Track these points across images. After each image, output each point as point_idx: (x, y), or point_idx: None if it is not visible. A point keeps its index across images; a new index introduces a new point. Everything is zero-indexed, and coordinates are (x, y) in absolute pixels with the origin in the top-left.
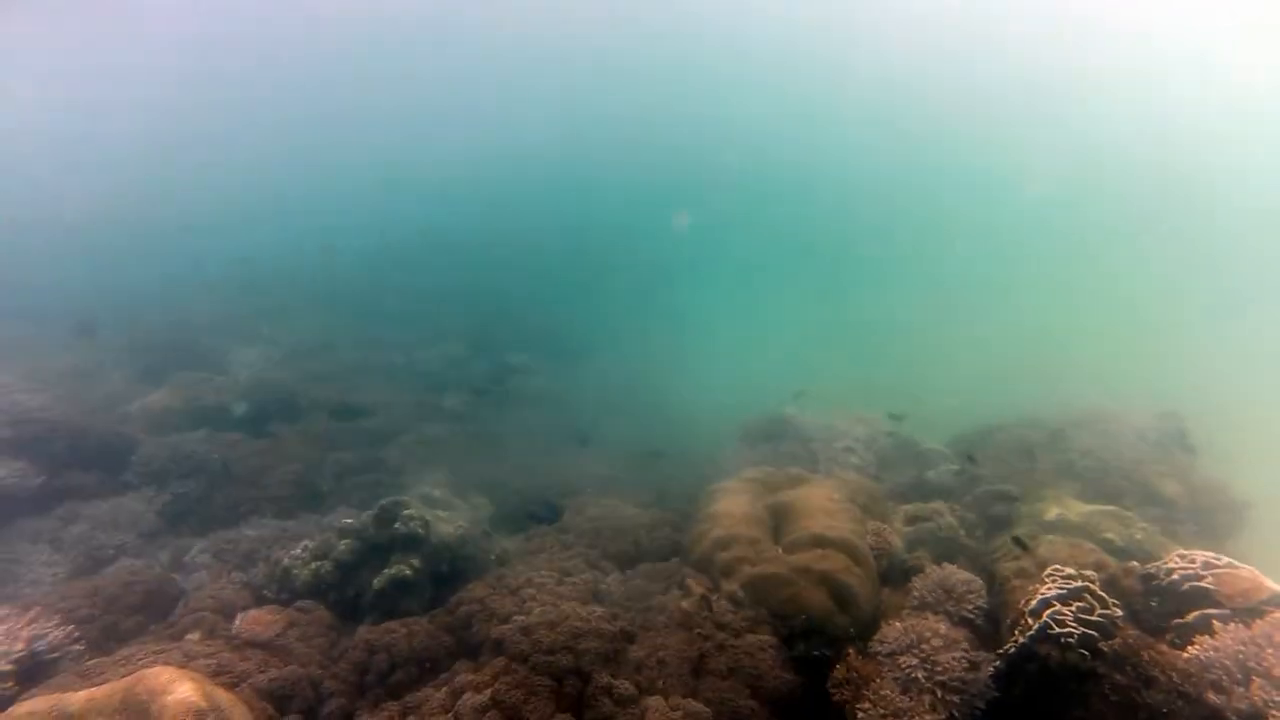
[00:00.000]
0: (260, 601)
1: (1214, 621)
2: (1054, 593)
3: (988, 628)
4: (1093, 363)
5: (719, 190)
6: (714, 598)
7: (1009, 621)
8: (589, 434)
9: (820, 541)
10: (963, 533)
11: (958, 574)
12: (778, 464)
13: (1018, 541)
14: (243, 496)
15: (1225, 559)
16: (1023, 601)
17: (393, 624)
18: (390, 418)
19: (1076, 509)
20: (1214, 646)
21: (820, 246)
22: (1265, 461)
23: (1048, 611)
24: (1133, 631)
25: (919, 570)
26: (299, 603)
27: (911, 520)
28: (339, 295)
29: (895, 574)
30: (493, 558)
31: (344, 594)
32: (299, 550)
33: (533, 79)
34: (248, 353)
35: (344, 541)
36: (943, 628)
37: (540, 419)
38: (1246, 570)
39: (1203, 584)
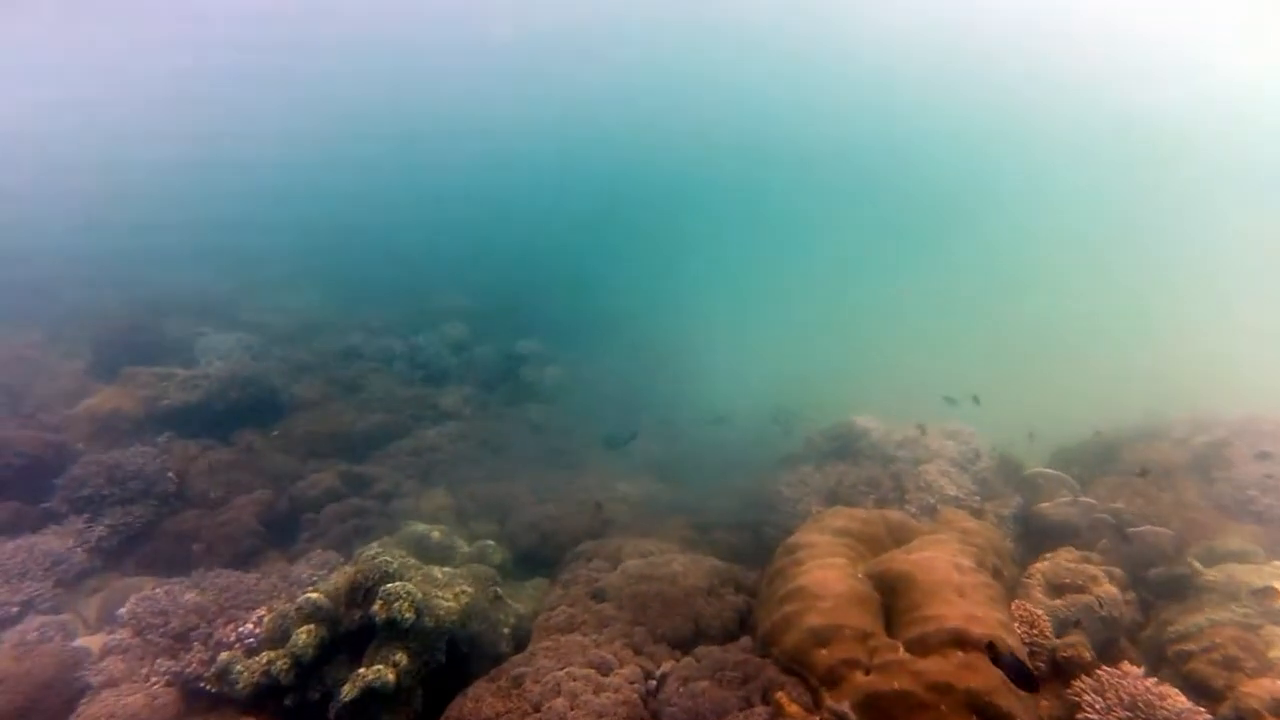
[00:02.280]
0: (192, 703)
1: None
2: None
3: None
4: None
5: (760, 164)
6: None
7: None
8: (619, 437)
9: (960, 641)
10: (1127, 610)
11: (1163, 696)
12: (854, 491)
13: None
14: (199, 527)
15: None
16: None
17: None
18: (382, 419)
19: None
20: None
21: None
22: None
23: None
24: None
25: (1078, 665)
26: None
27: (1056, 588)
28: (332, 270)
29: (1044, 669)
30: (505, 631)
31: (305, 698)
32: (249, 626)
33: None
34: (222, 339)
35: (305, 629)
36: None
37: (555, 419)
38: None
39: None
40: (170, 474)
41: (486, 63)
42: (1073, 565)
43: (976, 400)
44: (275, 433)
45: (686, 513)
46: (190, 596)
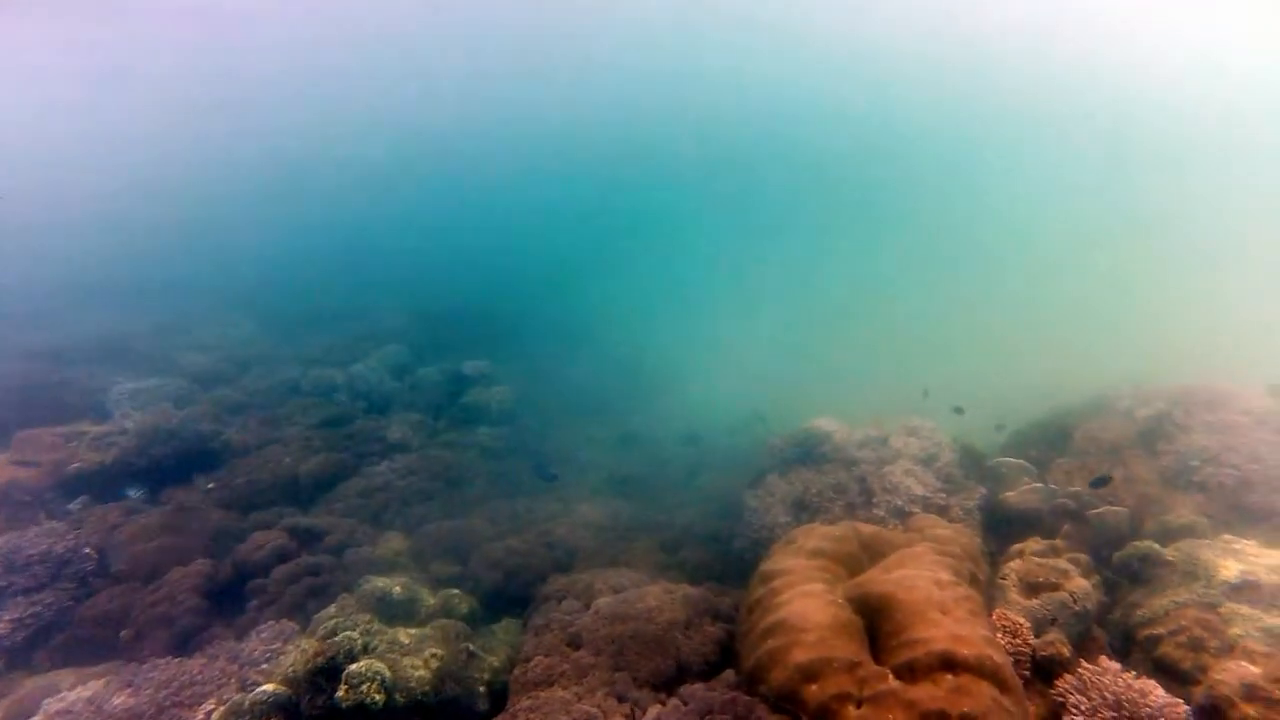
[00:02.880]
0: None
1: None
2: None
3: None
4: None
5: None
6: None
7: None
8: (554, 468)
9: (949, 663)
10: (1095, 594)
11: (1144, 692)
12: (822, 499)
13: None
14: (126, 607)
15: None
16: None
17: None
18: (327, 459)
19: (1265, 559)
20: None
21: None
22: None
23: None
24: None
25: (1058, 663)
26: None
27: (1030, 587)
28: (259, 298)
29: (1028, 675)
30: (481, 690)
31: None
32: None
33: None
34: (139, 387)
35: None
36: None
37: (507, 441)
38: None
39: None
40: (87, 549)
41: (435, 68)
42: (1044, 561)
43: (927, 394)
44: (210, 486)
45: (653, 531)
46: (120, 699)
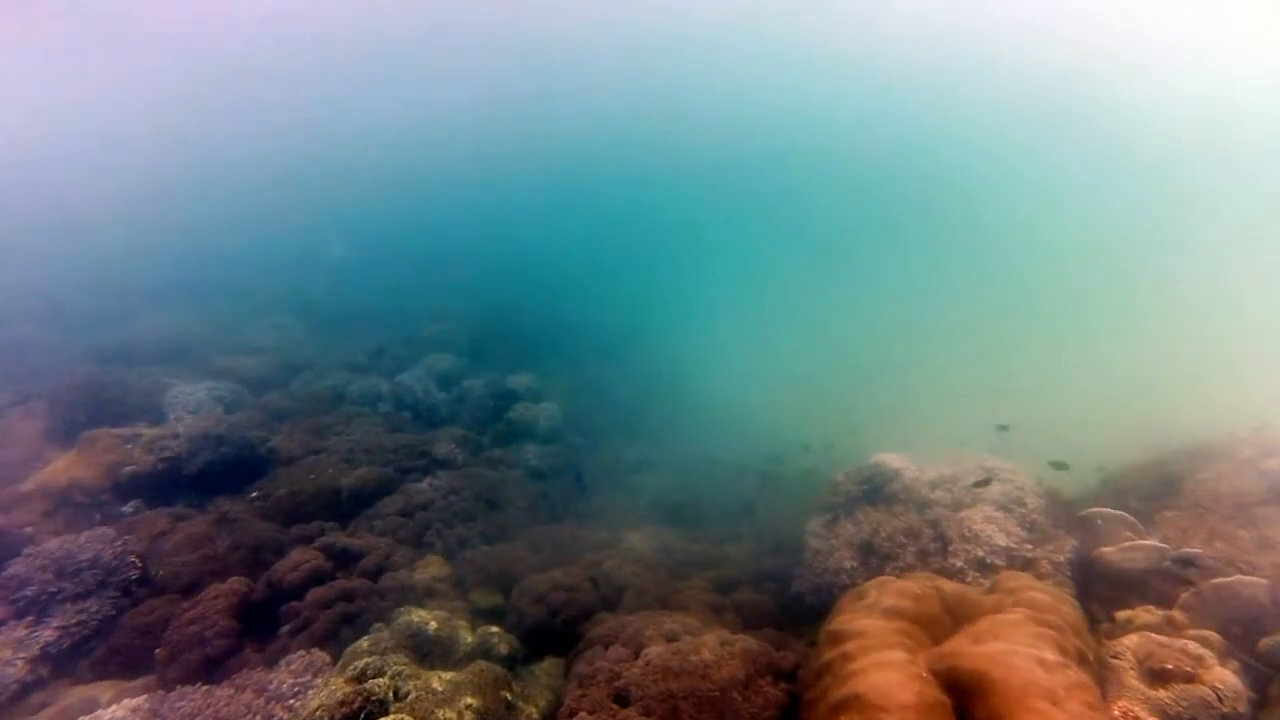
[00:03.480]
0: None
1: None
2: None
3: None
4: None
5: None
6: None
7: None
8: (598, 489)
9: None
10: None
11: None
12: (892, 544)
13: None
14: (164, 620)
15: None
16: None
17: None
18: (369, 473)
19: None
20: None
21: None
22: None
23: None
24: None
25: None
26: None
27: (1155, 674)
28: (308, 299)
29: None
30: None
31: None
32: None
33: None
34: (192, 391)
35: None
36: None
37: (554, 460)
38: None
39: None
40: (133, 558)
41: (474, 71)
42: (1167, 641)
43: (1006, 428)
44: (254, 495)
45: (705, 566)
46: None
